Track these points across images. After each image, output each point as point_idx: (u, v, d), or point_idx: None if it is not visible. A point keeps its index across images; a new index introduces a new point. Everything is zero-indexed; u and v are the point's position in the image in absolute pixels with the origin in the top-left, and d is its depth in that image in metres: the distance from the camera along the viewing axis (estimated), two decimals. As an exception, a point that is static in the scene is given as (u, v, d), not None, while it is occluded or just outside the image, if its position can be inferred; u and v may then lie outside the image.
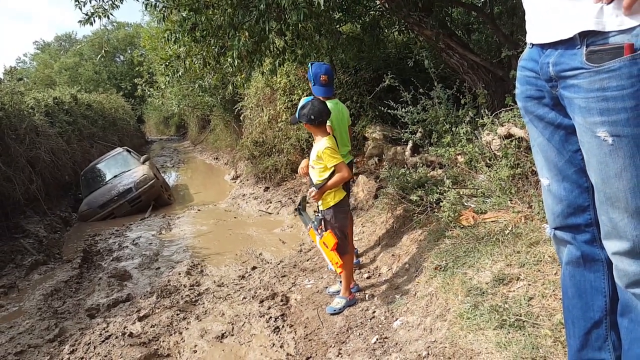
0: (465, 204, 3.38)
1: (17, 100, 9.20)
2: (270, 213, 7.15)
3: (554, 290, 2.17)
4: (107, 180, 10.19)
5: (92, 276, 5.34)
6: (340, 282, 3.39)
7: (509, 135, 3.34)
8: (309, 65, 3.62)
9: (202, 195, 10.36)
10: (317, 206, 3.21)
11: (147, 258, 5.73)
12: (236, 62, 5.38)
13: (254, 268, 4.69)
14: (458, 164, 3.79)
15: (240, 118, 11.85)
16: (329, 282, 3.82)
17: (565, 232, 1.48)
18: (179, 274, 4.76)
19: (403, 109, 4.58)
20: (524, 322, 2.05)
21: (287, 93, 9.40)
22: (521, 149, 3.21)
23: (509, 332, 2.02)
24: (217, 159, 15.50)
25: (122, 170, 10.36)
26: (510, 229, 2.79)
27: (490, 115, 3.80)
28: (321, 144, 3.05)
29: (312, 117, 3.02)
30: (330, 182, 3.04)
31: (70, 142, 11.85)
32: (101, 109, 17.01)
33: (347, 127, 3.74)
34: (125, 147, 12.10)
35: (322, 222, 3.13)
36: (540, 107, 1.42)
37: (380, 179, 5.17)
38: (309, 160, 3.28)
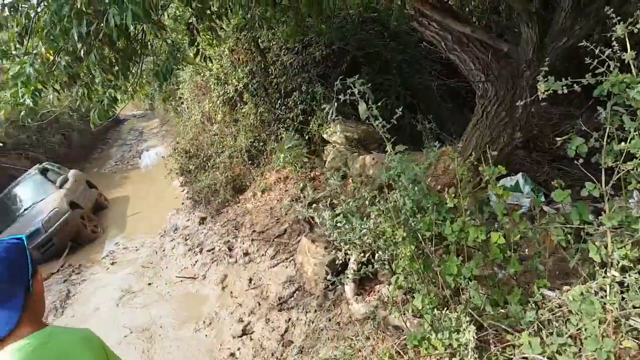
0: None
1: None
2: (194, 278, 5.08)
3: None
4: (17, 215, 7.99)
5: None
6: None
7: None
8: None
9: (137, 219, 8.29)
10: None
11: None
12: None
13: None
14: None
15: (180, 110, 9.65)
16: None
17: None
18: None
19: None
20: None
21: (222, 82, 7.09)
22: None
23: None
24: (176, 150, 13.27)
25: (34, 200, 8.07)
26: None
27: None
28: None
29: None
30: None
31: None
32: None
33: None
34: (45, 163, 9.39)
35: None
36: None
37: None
38: None
